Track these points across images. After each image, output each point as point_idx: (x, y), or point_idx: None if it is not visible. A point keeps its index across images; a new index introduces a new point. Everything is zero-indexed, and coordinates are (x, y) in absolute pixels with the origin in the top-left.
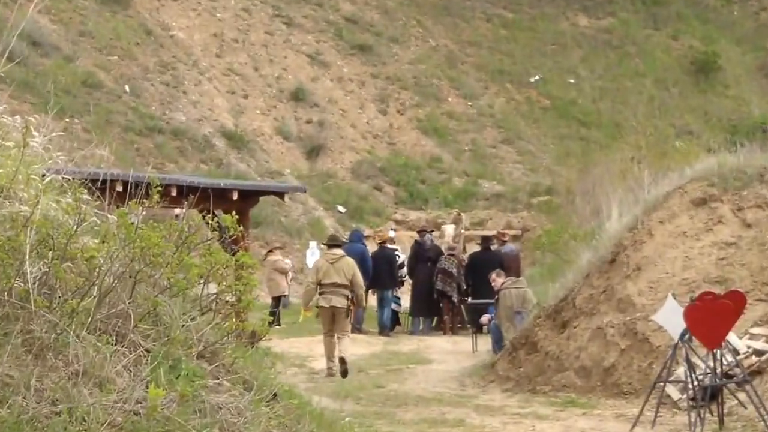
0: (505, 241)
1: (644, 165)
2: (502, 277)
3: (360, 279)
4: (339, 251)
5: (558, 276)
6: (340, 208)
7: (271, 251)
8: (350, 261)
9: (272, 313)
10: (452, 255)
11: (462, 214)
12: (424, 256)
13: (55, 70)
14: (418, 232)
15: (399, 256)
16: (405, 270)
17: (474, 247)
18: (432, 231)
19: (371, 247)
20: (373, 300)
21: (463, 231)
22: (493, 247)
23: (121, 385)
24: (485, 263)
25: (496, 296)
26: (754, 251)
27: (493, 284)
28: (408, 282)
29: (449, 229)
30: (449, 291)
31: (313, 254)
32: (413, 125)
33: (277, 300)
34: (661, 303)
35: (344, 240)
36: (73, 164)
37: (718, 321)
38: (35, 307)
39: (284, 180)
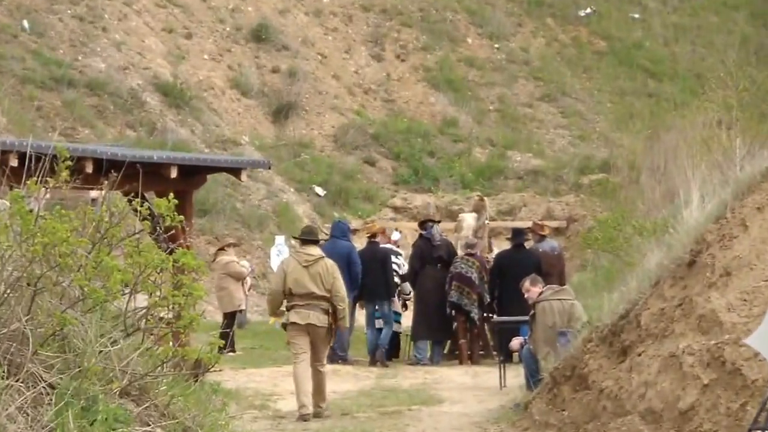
0: (544, 236)
1: (735, 131)
2: (540, 285)
3: (343, 289)
4: (316, 250)
5: (616, 284)
6: (319, 191)
7: (222, 249)
8: (331, 264)
9: (224, 335)
10: (472, 255)
11: (486, 199)
12: (431, 257)
13: None
14: (420, 223)
15: (399, 266)
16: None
17: (502, 245)
18: (439, 221)
19: (360, 245)
20: (361, 317)
21: (487, 222)
22: (528, 245)
23: None
24: (517, 266)
25: (532, 312)
26: None
27: (526, 295)
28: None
29: (468, 220)
30: (467, 305)
31: (280, 254)
32: (419, 76)
33: (231, 317)
34: (757, 321)
35: (324, 235)
36: None
37: None
38: None
39: (241, 152)
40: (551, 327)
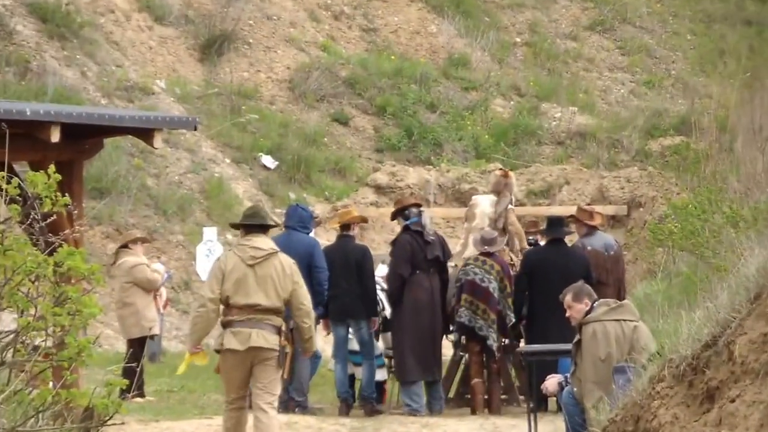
0: (595, 228)
1: None
2: (588, 299)
3: (309, 299)
4: (267, 242)
5: (700, 298)
6: (267, 161)
7: (126, 247)
8: (289, 263)
9: (128, 372)
10: (489, 255)
11: (511, 174)
12: (425, 259)
13: None
14: (398, 210)
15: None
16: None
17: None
18: (420, 207)
19: (327, 240)
20: (328, 347)
21: (512, 206)
22: (571, 240)
23: None
24: (554, 272)
25: (576, 338)
26: None
27: (569, 314)
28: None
29: (484, 205)
30: (483, 328)
31: (211, 253)
32: None
33: (138, 345)
34: None
35: (275, 223)
36: None
37: None
38: None
39: (154, 105)
40: (604, 360)
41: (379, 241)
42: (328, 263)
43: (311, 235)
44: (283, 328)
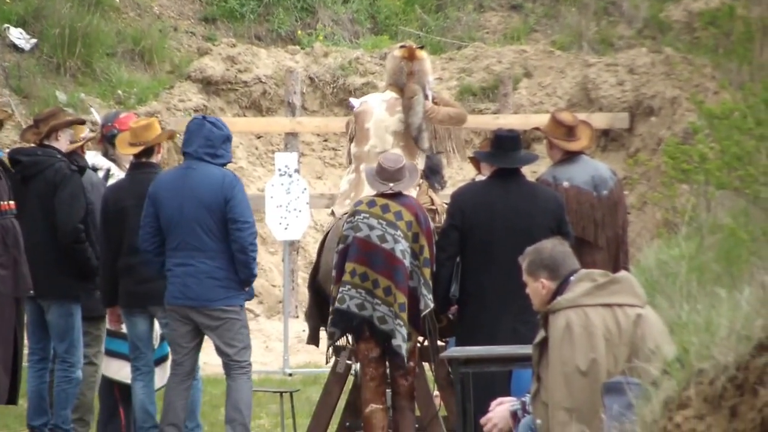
0: (577, 151)
1: None
2: (549, 273)
3: None
4: None
5: (752, 269)
6: (17, 37)
7: None
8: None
9: None
10: (394, 197)
11: (420, 51)
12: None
13: None
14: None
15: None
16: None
17: (468, 171)
18: None
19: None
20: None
21: (432, 104)
22: (533, 172)
23: None
24: (503, 223)
25: (541, 335)
26: None
27: (533, 294)
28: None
29: (379, 110)
30: (386, 319)
31: None
32: None
33: None
34: None
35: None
36: None
37: None
38: None
39: None
40: (586, 373)
41: None
42: (114, 212)
43: (228, 167)
44: None
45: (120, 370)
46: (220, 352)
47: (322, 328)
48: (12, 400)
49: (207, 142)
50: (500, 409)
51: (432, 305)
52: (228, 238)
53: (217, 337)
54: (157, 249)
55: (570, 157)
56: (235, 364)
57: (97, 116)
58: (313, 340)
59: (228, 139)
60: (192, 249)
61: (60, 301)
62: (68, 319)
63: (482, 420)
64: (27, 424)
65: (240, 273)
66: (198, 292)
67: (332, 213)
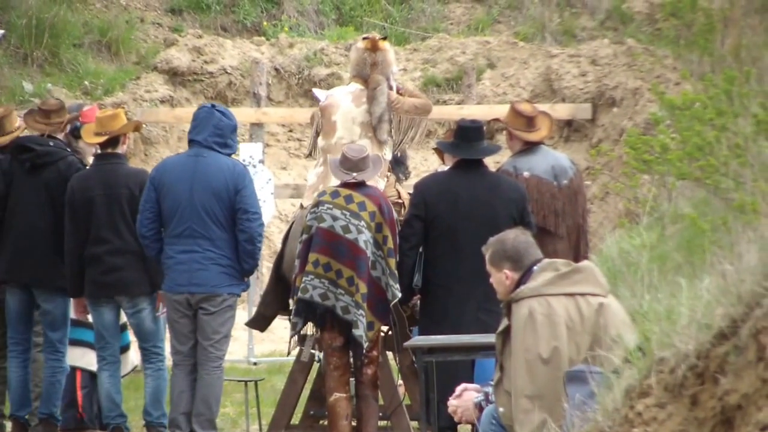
0: (538, 141)
1: None
2: (511, 265)
3: None
4: None
5: (712, 259)
6: None
7: None
8: None
9: None
10: (357, 187)
11: (383, 42)
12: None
13: None
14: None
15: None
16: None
17: (431, 162)
18: None
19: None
20: None
21: (396, 94)
22: (494, 162)
23: None
24: (466, 213)
25: (504, 323)
26: None
27: (496, 284)
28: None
29: (345, 102)
30: (349, 309)
31: None
32: None
33: None
34: None
35: None
36: None
37: None
38: None
39: None
40: (548, 360)
41: None
42: (81, 202)
43: (235, 157)
44: None
45: (83, 356)
46: (202, 336)
47: (279, 316)
48: None
49: (216, 131)
50: (463, 396)
51: (399, 295)
52: (232, 228)
53: (207, 322)
54: (155, 235)
55: (530, 147)
56: (211, 355)
57: None
58: (257, 324)
59: (235, 129)
60: (198, 236)
61: (57, 291)
62: (64, 309)
63: (450, 408)
64: (10, 415)
65: (244, 263)
66: (205, 277)
67: (301, 206)
